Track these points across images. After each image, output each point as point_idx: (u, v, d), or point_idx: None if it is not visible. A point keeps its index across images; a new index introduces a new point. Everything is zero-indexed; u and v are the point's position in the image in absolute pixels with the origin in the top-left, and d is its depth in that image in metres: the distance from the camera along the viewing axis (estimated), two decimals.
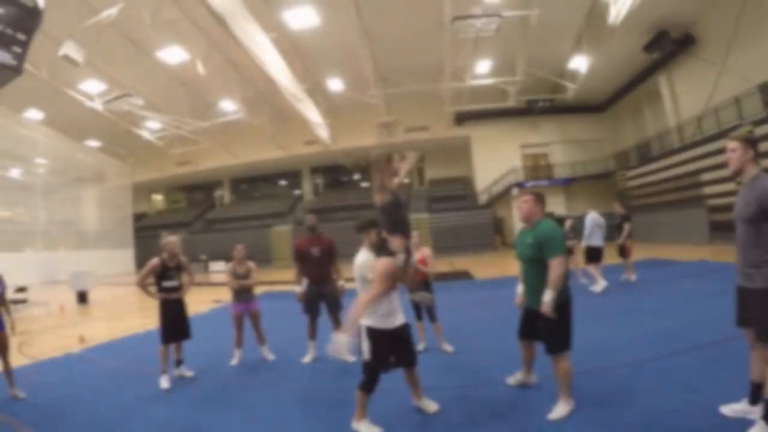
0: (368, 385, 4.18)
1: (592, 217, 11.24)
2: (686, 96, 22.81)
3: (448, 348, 6.82)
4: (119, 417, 5.11)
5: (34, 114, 26.47)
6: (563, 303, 4.21)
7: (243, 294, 7.19)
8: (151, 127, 29.48)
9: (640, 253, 11.88)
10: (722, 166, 16.29)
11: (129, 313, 14.12)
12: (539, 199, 4.53)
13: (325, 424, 4.55)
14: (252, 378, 6.47)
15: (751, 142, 3.46)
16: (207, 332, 8.98)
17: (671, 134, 23.28)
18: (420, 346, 6.75)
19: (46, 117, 27.14)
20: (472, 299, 11.77)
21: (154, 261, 6.42)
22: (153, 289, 6.45)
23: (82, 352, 8.47)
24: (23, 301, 12.79)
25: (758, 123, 15.81)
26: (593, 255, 10.97)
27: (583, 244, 11.25)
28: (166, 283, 6.45)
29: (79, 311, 14.59)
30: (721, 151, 16.62)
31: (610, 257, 11.88)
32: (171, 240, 6.56)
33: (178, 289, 6.55)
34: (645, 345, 6.08)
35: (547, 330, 4.24)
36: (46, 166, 28.47)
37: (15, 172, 27.14)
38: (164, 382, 6.19)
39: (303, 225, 7.20)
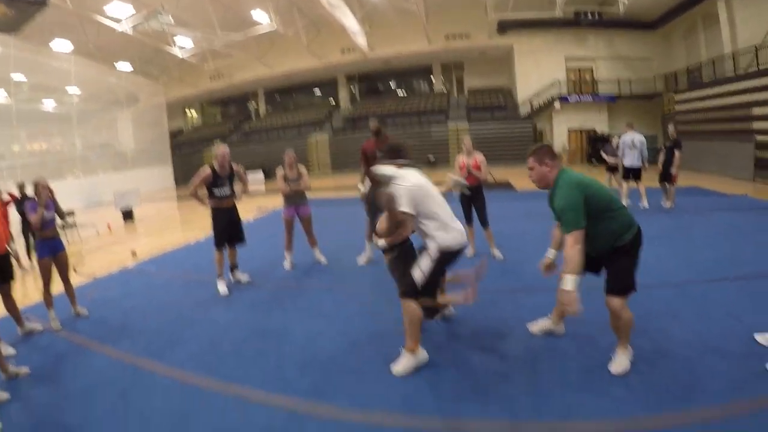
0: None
1: (624, 139, 11.46)
2: (745, 23, 20.96)
3: (498, 254, 7.20)
4: (183, 323, 5.53)
5: (62, 45, 25.91)
6: (629, 241, 3.69)
7: (294, 198, 7.42)
8: (182, 44, 28.82)
9: (681, 180, 11.73)
10: None
11: (174, 227, 14.64)
12: (545, 153, 3.79)
13: (389, 323, 4.88)
14: (308, 280, 6.98)
15: None
16: (256, 239, 9.33)
17: (725, 61, 21.60)
18: (468, 252, 7.14)
19: (74, 46, 26.68)
20: (516, 209, 12.34)
21: (206, 170, 6.68)
22: (204, 196, 6.77)
23: (137, 266, 8.96)
24: (72, 225, 13.10)
25: None
26: (629, 174, 11.39)
27: (630, 164, 11.39)
28: (217, 191, 6.72)
29: (127, 229, 15.07)
30: None
31: (649, 180, 11.88)
32: (220, 149, 6.75)
33: (230, 196, 6.83)
34: (687, 269, 6.33)
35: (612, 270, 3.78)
36: (78, 95, 28.43)
37: (49, 104, 27.24)
38: (222, 287, 6.71)
39: (368, 130, 7.40)
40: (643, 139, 11.39)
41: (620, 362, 3.81)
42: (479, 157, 7.16)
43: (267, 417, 3.46)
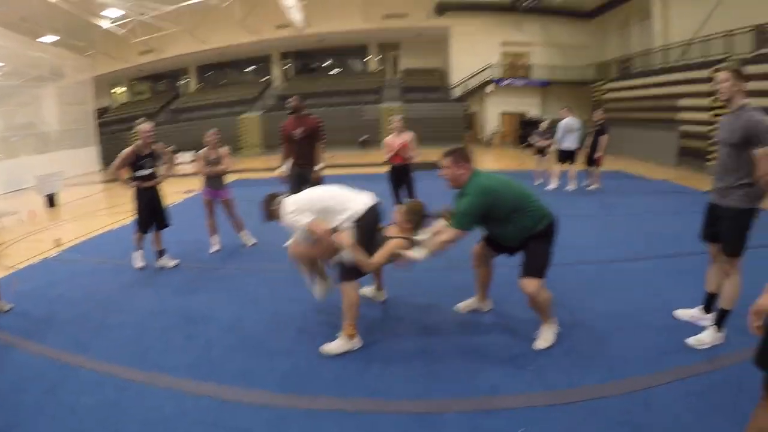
0: None
1: (565, 122, 11.88)
2: (677, 20, 22.30)
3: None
4: (109, 310, 5.38)
5: None
6: (542, 230, 3.89)
7: (214, 180, 7.24)
8: (111, 15, 27.38)
9: (608, 164, 12.33)
10: (701, 94, 16.81)
11: (100, 212, 14.01)
12: (461, 156, 3.97)
13: (316, 304, 4.90)
14: (235, 263, 6.97)
15: (740, 74, 3.70)
16: (183, 222, 9.09)
17: (655, 55, 23.10)
18: None
19: None
20: (444, 190, 12.02)
21: (127, 150, 6.55)
22: (126, 177, 6.63)
23: (60, 254, 8.49)
24: None
25: (746, 62, 15.54)
26: (564, 157, 11.96)
27: (566, 146, 11.95)
28: (139, 172, 6.55)
29: (50, 215, 14.23)
30: (701, 80, 16.98)
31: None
32: (143, 126, 6.62)
33: (153, 176, 6.67)
34: (609, 248, 6.81)
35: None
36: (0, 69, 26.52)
37: None
38: (138, 260, 6.75)
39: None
40: (580, 123, 11.98)
41: (545, 337, 4.00)
42: (408, 136, 7.19)
43: (198, 406, 3.44)
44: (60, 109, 30.72)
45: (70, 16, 25.55)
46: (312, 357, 3.98)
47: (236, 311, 5.01)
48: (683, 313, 4.32)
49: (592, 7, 29.16)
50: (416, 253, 3.83)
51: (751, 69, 14.81)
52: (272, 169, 7.49)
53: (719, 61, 16.63)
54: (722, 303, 3.80)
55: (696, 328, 4.00)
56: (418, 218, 4.27)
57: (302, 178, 6.93)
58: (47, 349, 4.50)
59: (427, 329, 4.43)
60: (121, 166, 6.56)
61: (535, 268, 3.87)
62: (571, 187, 11.82)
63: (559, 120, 12.30)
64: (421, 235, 4.06)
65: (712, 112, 15.47)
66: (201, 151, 7.29)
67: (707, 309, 4.12)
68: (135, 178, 6.59)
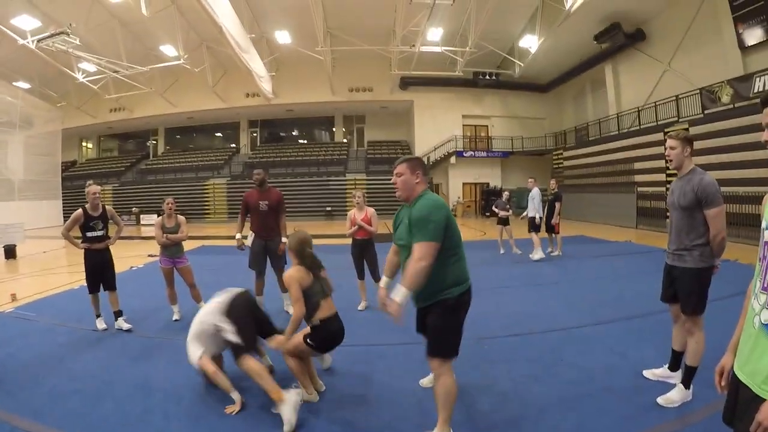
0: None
1: (538, 191, 12.22)
2: (629, 87, 23.99)
3: None
4: (64, 376, 4.92)
5: None
6: (456, 297, 3.28)
7: (172, 249, 7.07)
8: (86, 69, 27.68)
9: (570, 230, 12.69)
10: (655, 157, 17.81)
11: (60, 268, 13.43)
12: (419, 165, 3.50)
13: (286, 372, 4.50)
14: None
15: (688, 140, 3.83)
16: (143, 286, 8.95)
17: (610, 121, 24.37)
18: (360, 305, 7.27)
19: None
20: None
21: (78, 211, 6.50)
22: (77, 239, 6.57)
23: (15, 311, 7.94)
24: None
25: (694, 123, 16.96)
26: (536, 226, 12.01)
27: (531, 215, 12.12)
28: (89, 233, 6.51)
29: (8, 267, 13.71)
30: (655, 143, 18.01)
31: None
32: (92, 188, 6.55)
33: (103, 238, 6.62)
34: (574, 313, 6.70)
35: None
36: None
37: None
38: (100, 324, 6.51)
39: (251, 178, 7.30)
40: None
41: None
42: (370, 211, 7.37)
43: None
44: (26, 158, 30.22)
45: (46, 65, 25.70)
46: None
47: (196, 384, 4.62)
48: (651, 373, 4.32)
49: (547, 80, 30.84)
50: (397, 297, 3.06)
51: (700, 129, 16.07)
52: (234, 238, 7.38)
53: (671, 124, 17.99)
54: (688, 360, 3.81)
55: (666, 387, 3.99)
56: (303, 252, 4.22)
57: (266, 250, 7.07)
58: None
59: (381, 403, 4.22)
60: (70, 227, 6.52)
61: (440, 346, 3.33)
62: (539, 254, 11.78)
63: (521, 190, 12.72)
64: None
65: (667, 173, 16.54)
66: (158, 219, 7.20)
67: (674, 367, 4.15)
68: (85, 240, 6.58)
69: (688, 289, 3.77)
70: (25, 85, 30.34)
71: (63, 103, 34.22)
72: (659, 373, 4.27)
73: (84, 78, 28.04)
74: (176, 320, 6.96)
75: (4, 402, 4.27)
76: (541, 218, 12.01)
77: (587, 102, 28.93)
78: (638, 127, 21.21)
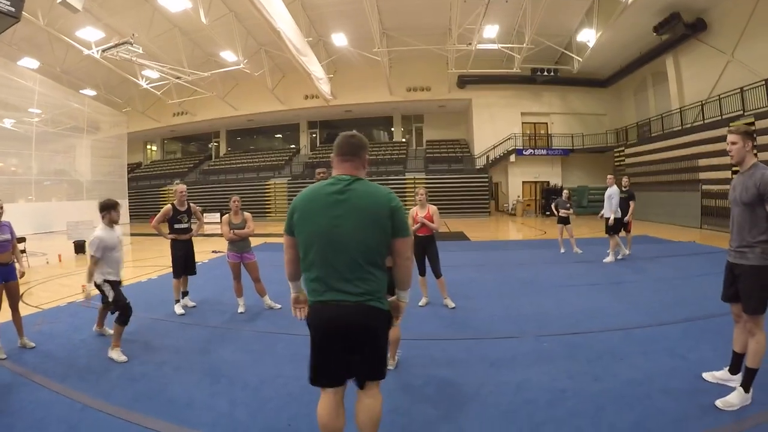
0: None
1: (615, 190, 11.36)
2: (691, 81, 22.72)
3: (450, 303, 7.27)
4: (132, 362, 5.22)
5: (28, 62, 25.94)
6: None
7: (239, 244, 7.44)
8: (149, 76, 28.98)
9: (633, 230, 12.14)
10: (720, 153, 17.11)
11: (127, 263, 14.09)
12: (364, 148, 3.07)
13: None
14: (260, 324, 6.83)
15: (749, 134, 3.71)
16: (207, 281, 9.50)
17: (673, 116, 23.22)
18: (422, 301, 7.38)
19: (41, 65, 26.64)
20: (469, 259, 12.49)
21: (167, 206, 7.46)
22: (166, 230, 7.48)
23: (86, 300, 8.49)
24: (22, 252, 12.70)
25: (760, 116, 15.87)
26: (618, 227, 11.27)
27: (607, 215, 11.34)
28: (177, 225, 7.47)
29: (78, 261, 14.55)
30: (720, 138, 17.17)
31: (597, 231, 12.19)
32: (179, 187, 7.55)
33: (188, 230, 7.59)
34: (634, 314, 6.55)
35: None
36: (40, 116, 27.91)
37: (8, 122, 26.65)
38: (178, 309, 7.32)
39: (315, 177, 7.42)
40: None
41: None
42: (432, 208, 7.39)
43: None
44: (93, 160, 32.03)
45: (110, 73, 27.31)
46: None
47: (262, 371, 4.83)
48: (711, 376, 4.16)
49: (607, 75, 29.74)
50: (401, 299, 2.92)
51: (765, 123, 15.12)
52: None
53: (736, 118, 16.93)
54: (748, 362, 3.67)
55: (725, 390, 3.84)
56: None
57: None
58: (68, 391, 4.45)
59: (445, 394, 4.32)
60: (161, 219, 7.44)
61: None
62: (611, 258, 11.21)
63: (581, 188, 12.20)
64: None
65: (732, 170, 15.47)
66: (225, 216, 7.59)
67: (734, 369, 3.99)
68: (172, 231, 7.48)
69: (750, 288, 3.62)
70: (92, 93, 32.04)
71: (128, 108, 35.88)
72: (719, 375, 4.11)
73: (147, 84, 29.38)
74: (241, 312, 7.31)
75: (76, 383, 4.60)
76: (616, 219, 11.19)
77: (649, 96, 27.66)
78: (702, 122, 20.06)
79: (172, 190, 36.91)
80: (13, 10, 6.07)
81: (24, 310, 7.23)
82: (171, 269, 7.69)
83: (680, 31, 21.26)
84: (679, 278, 8.95)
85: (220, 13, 22.28)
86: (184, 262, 7.53)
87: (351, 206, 2.66)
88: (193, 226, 7.80)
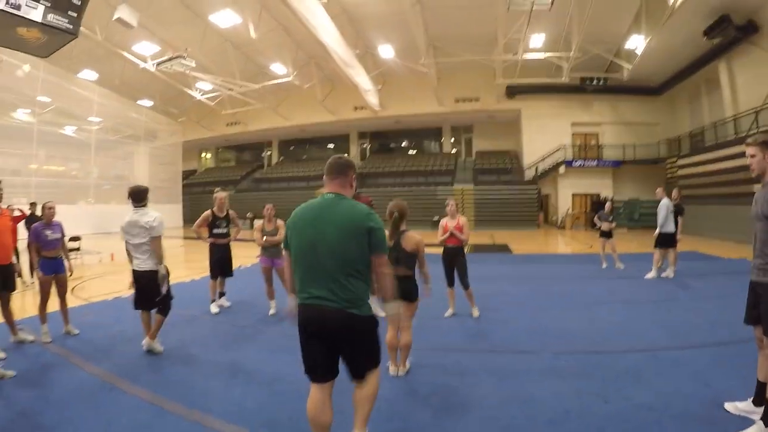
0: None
1: (666, 203, 10.79)
2: (746, 86, 21.41)
3: (475, 312, 7.34)
4: (163, 353, 5.67)
5: (88, 74, 27.66)
6: None
7: (271, 250, 7.75)
8: (203, 87, 30.17)
9: (683, 245, 11.51)
10: None
11: (176, 264, 14.81)
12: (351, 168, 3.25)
13: None
14: (286, 326, 6.83)
15: (767, 143, 3.48)
16: (247, 284, 10.00)
17: (727, 125, 22.01)
18: (447, 312, 7.43)
19: (100, 77, 28.26)
20: (506, 272, 12.36)
21: (207, 212, 7.97)
22: (205, 234, 8.01)
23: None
24: (77, 249, 13.48)
25: None
26: (668, 241, 10.76)
27: (658, 229, 10.74)
28: (215, 230, 7.95)
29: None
30: None
31: (645, 246, 11.75)
32: (219, 194, 8.07)
33: (226, 235, 8.06)
34: (664, 334, 6.27)
35: None
36: (99, 124, 29.51)
37: (70, 130, 28.29)
38: (214, 308, 7.84)
39: None
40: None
41: None
42: (462, 219, 7.42)
43: None
44: (150, 167, 33.78)
45: (166, 85, 28.55)
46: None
47: (279, 368, 5.09)
48: (733, 407, 3.81)
49: (659, 82, 28.61)
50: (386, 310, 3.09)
51: None
52: None
53: None
54: None
55: (745, 423, 3.56)
56: None
57: None
58: (101, 372, 4.98)
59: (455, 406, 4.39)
60: (201, 224, 7.96)
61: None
62: (653, 274, 10.73)
63: (632, 201, 11.64)
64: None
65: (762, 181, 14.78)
66: (259, 223, 8.05)
67: (759, 401, 3.61)
68: (211, 235, 7.95)
69: None
70: (149, 103, 33.59)
71: (183, 118, 37.37)
72: (742, 407, 3.76)
73: (201, 96, 30.53)
74: (272, 314, 7.67)
75: (109, 366, 5.10)
76: (662, 234, 10.67)
77: (703, 104, 26.26)
78: (756, 130, 18.69)
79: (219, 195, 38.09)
80: (71, 27, 6.41)
81: (73, 302, 8.09)
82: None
83: (731, 35, 20.15)
84: (721, 298, 8.42)
85: (269, 27, 22.85)
86: (221, 265, 7.98)
87: (334, 221, 2.92)
88: (232, 232, 8.24)
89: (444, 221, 7.48)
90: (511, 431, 3.67)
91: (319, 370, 2.99)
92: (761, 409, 3.50)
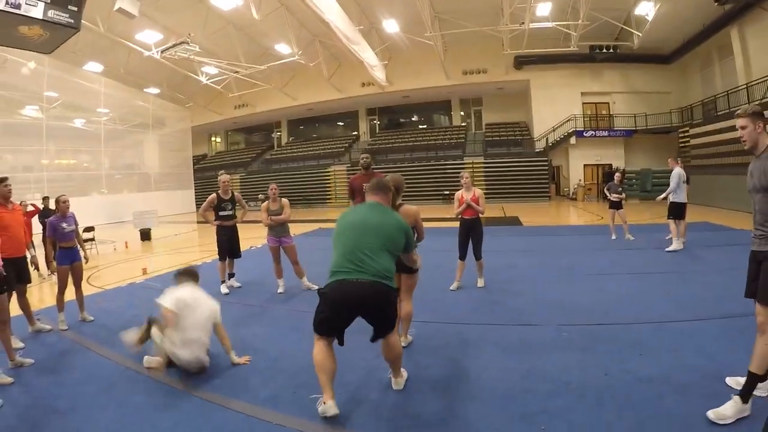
0: None
1: (679, 172, 10.68)
2: (759, 53, 20.88)
3: (480, 283, 7.58)
4: None
5: (93, 66, 27.69)
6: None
7: (277, 229, 7.92)
8: (208, 72, 30.08)
9: (694, 215, 11.34)
10: None
11: (189, 248, 15.21)
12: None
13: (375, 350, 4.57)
14: (295, 303, 7.35)
15: (758, 114, 3.38)
16: (257, 264, 10.19)
17: (740, 93, 21.45)
18: (453, 285, 7.58)
19: (105, 68, 28.32)
20: (515, 245, 12.42)
21: (212, 195, 8.17)
22: (211, 217, 8.21)
23: (145, 282, 9.55)
24: (91, 240, 13.71)
25: None
26: (679, 211, 10.58)
27: (670, 198, 10.67)
28: (221, 212, 8.15)
29: (143, 247, 15.68)
30: None
31: (658, 217, 11.64)
32: (223, 177, 8.28)
33: (232, 217, 8.25)
34: (673, 306, 6.21)
35: None
36: (107, 115, 29.75)
37: (78, 122, 28.55)
38: (224, 289, 8.05)
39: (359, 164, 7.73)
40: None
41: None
42: (477, 191, 7.51)
43: (223, 418, 3.76)
44: (160, 154, 34.14)
45: (171, 71, 28.57)
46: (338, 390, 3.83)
47: (284, 346, 5.33)
48: (734, 381, 3.68)
49: (670, 50, 27.89)
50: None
51: None
52: None
53: None
54: (752, 365, 3.27)
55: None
56: None
57: None
58: (115, 355, 5.20)
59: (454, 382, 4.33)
60: (207, 208, 8.08)
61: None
62: (675, 245, 10.46)
63: (645, 171, 11.44)
64: None
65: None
66: (264, 204, 8.08)
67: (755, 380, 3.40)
68: (217, 218, 8.16)
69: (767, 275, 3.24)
70: (155, 91, 33.66)
71: (190, 103, 37.50)
72: (744, 381, 3.45)
73: (207, 80, 30.55)
74: (280, 293, 7.87)
75: (123, 350, 5.18)
76: (672, 203, 10.54)
77: (715, 72, 25.68)
78: None
79: (236, 179, 39.29)
80: (72, 21, 6.49)
81: (88, 290, 8.38)
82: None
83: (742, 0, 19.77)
84: (731, 270, 8.04)
85: (272, 7, 22.74)
86: (229, 247, 8.19)
87: (376, 216, 3.83)
88: (238, 213, 8.40)
89: (459, 193, 7.59)
90: (508, 402, 3.73)
91: (335, 329, 3.66)
92: (765, 384, 3.46)
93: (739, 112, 3.50)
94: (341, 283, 3.54)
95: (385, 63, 29.35)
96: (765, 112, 3.52)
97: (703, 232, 13.04)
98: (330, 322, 3.62)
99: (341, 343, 3.71)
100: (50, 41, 6.77)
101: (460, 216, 7.58)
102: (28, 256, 6.23)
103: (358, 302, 3.55)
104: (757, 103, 18.95)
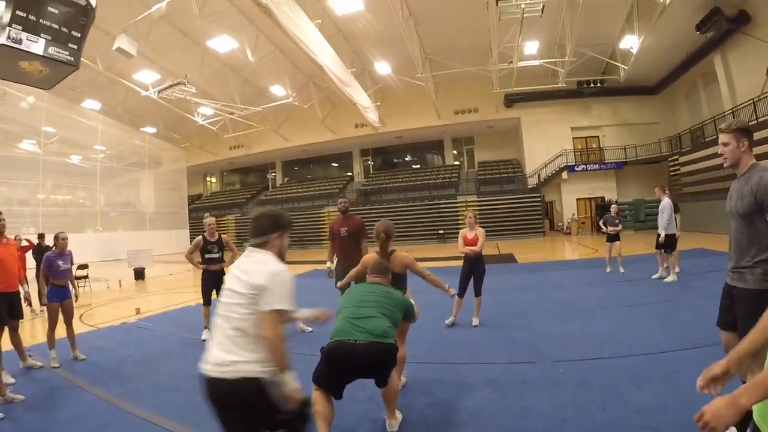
0: None
1: (668, 203, 10.40)
2: (742, 77, 21.44)
3: (475, 321, 7.51)
4: (169, 375, 5.86)
5: (91, 104, 28.23)
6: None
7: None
8: (204, 112, 30.49)
9: (689, 242, 11.26)
10: None
11: (183, 289, 15.08)
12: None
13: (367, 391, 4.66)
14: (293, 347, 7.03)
15: (743, 131, 3.20)
16: None
17: (726, 118, 21.28)
18: (449, 320, 7.58)
19: (103, 106, 28.81)
20: (510, 282, 12.31)
21: (198, 238, 7.94)
22: (196, 260, 7.85)
23: (138, 321, 9.47)
24: (84, 277, 13.68)
25: None
26: (673, 243, 10.41)
27: (663, 231, 10.24)
28: (207, 255, 7.84)
29: (136, 287, 15.66)
30: None
31: (652, 247, 11.59)
32: (208, 220, 8.02)
33: (218, 260, 7.89)
34: (668, 336, 6.17)
35: None
36: (104, 152, 30.07)
37: (75, 158, 28.82)
38: (205, 335, 7.49)
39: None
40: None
41: None
42: (479, 231, 7.66)
43: None
44: (156, 193, 34.44)
45: (168, 111, 29.08)
46: None
47: None
48: None
49: (656, 81, 28.61)
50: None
51: None
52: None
53: None
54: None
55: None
56: None
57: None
58: (107, 395, 5.12)
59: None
60: (192, 250, 7.86)
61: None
62: (673, 278, 10.38)
63: (637, 202, 11.36)
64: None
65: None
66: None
67: None
68: (203, 261, 7.83)
69: (747, 315, 2.95)
70: (152, 130, 34.24)
71: (186, 143, 37.93)
72: None
73: (203, 121, 30.96)
74: None
75: (115, 389, 5.23)
76: (668, 236, 10.22)
77: (701, 99, 26.24)
78: (755, 121, 18.52)
79: (231, 219, 39.48)
80: (72, 59, 6.57)
81: (81, 328, 8.32)
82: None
83: (723, 26, 20.16)
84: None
85: (267, 50, 23.13)
86: (212, 290, 7.77)
87: (377, 291, 4.12)
88: (226, 257, 8.04)
89: (463, 232, 7.73)
90: None
91: (334, 388, 3.68)
92: None
93: (722, 126, 3.33)
94: (340, 343, 3.67)
95: (378, 104, 29.67)
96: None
97: (697, 258, 13.11)
98: (328, 379, 3.67)
99: (338, 397, 3.71)
100: (50, 77, 6.87)
101: (463, 253, 7.68)
102: (21, 291, 6.16)
103: (357, 363, 3.64)
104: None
